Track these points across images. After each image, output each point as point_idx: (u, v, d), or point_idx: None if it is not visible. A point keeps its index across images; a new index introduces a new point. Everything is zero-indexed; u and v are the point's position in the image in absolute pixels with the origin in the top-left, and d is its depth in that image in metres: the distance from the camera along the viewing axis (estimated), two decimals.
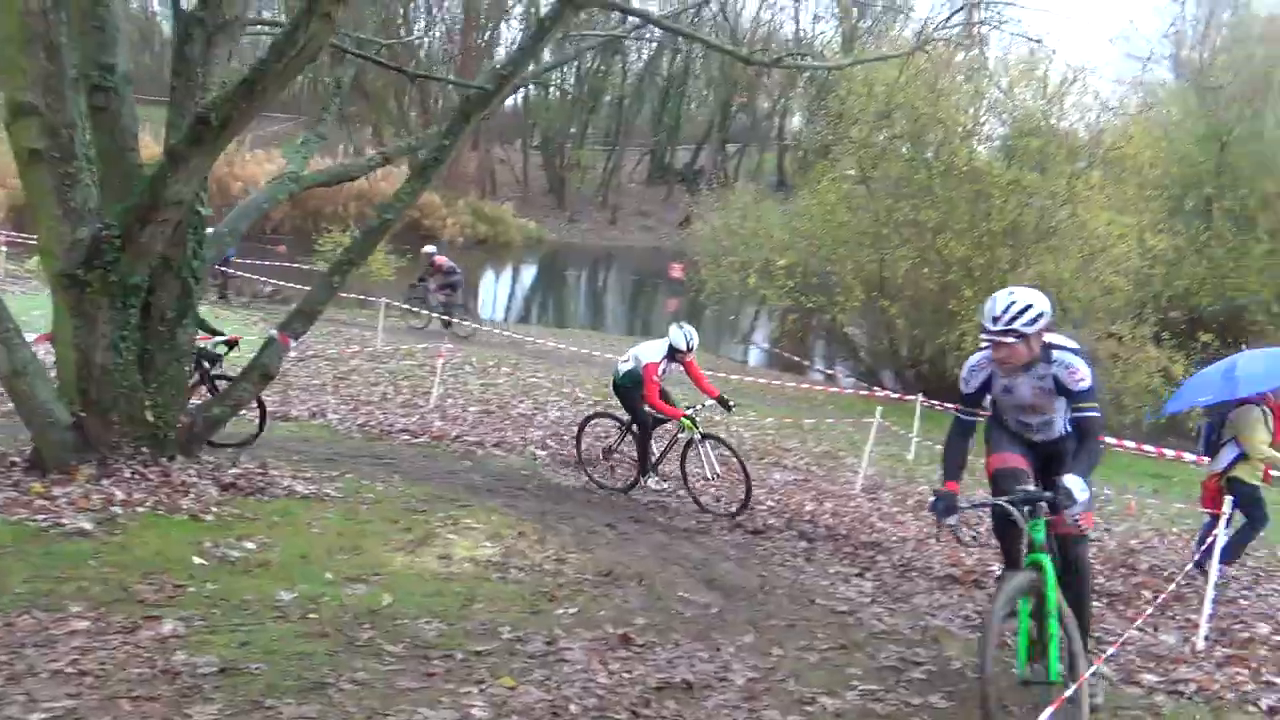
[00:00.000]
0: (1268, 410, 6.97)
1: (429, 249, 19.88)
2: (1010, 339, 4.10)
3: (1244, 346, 7.23)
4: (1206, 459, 7.34)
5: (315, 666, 3.73)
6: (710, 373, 10.12)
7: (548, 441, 10.37)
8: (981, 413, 4.61)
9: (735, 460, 8.73)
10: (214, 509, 5.83)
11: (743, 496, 8.37)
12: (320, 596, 4.59)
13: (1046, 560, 3.92)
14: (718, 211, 25.09)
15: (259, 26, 11.98)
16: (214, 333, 9.25)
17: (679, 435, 8.82)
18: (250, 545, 5.27)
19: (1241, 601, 6.93)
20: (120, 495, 5.71)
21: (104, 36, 6.00)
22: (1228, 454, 7.02)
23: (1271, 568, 8.05)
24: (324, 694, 3.51)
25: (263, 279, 20.48)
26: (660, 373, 8.47)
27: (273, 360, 7.33)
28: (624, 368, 8.72)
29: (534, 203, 46.54)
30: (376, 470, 7.86)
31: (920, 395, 13.49)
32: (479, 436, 10.09)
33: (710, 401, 8.72)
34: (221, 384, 9.07)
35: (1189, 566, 6.65)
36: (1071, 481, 3.89)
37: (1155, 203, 20.27)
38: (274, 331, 7.51)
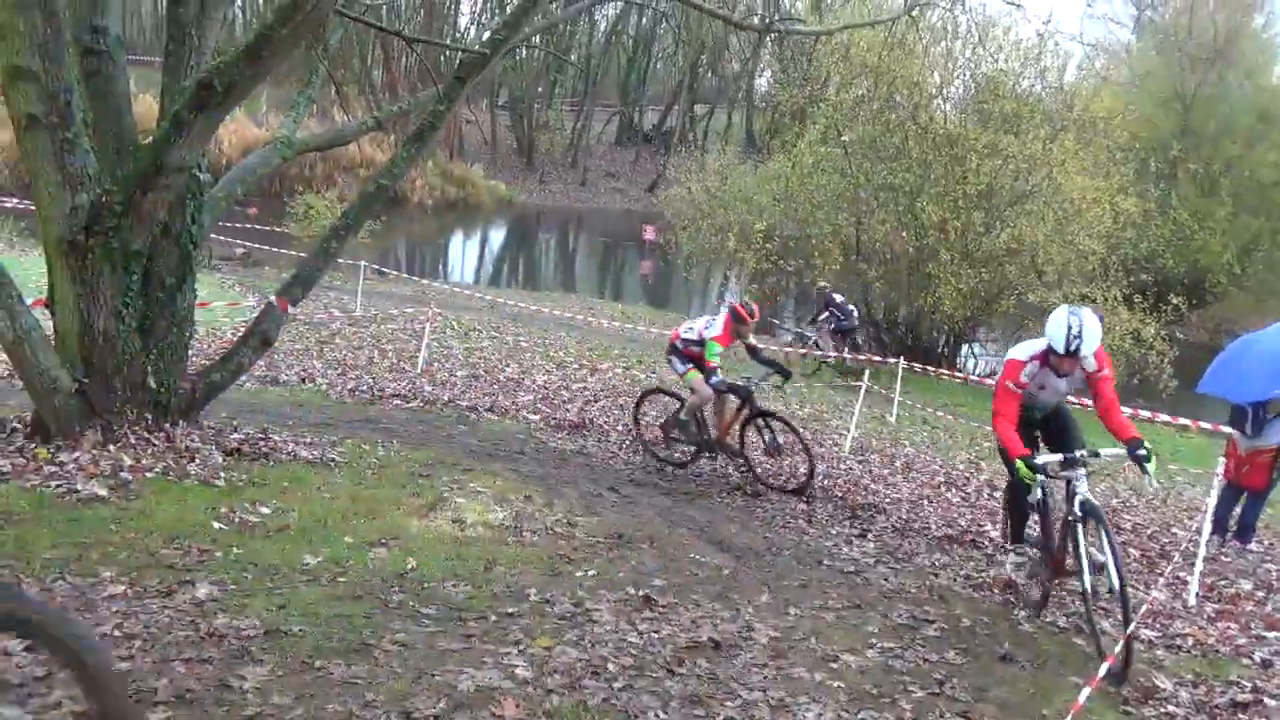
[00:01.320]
0: None
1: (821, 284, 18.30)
2: None
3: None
4: (1238, 434, 7.47)
5: (356, 628, 3.79)
6: None
7: (539, 406, 10.40)
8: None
9: None
10: (222, 475, 5.86)
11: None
12: (345, 560, 4.64)
13: None
14: (695, 174, 24.99)
15: None
16: (769, 364, 8.44)
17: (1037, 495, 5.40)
18: (266, 510, 5.31)
19: (1223, 559, 7.20)
20: (128, 461, 5.72)
21: None
22: (1277, 431, 7.29)
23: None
24: (369, 655, 3.57)
25: (237, 242, 20.17)
26: (1025, 377, 5.22)
27: (272, 327, 7.30)
28: None
29: (503, 164, 46.13)
30: (374, 435, 7.87)
31: (900, 358, 13.64)
32: (470, 401, 10.10)
33: (1116, 450, 5.10)
34: (772, 422, 8.35)
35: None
36: None
37: (1124, 166, 20.51)
38: (273, 297, 7.46)
